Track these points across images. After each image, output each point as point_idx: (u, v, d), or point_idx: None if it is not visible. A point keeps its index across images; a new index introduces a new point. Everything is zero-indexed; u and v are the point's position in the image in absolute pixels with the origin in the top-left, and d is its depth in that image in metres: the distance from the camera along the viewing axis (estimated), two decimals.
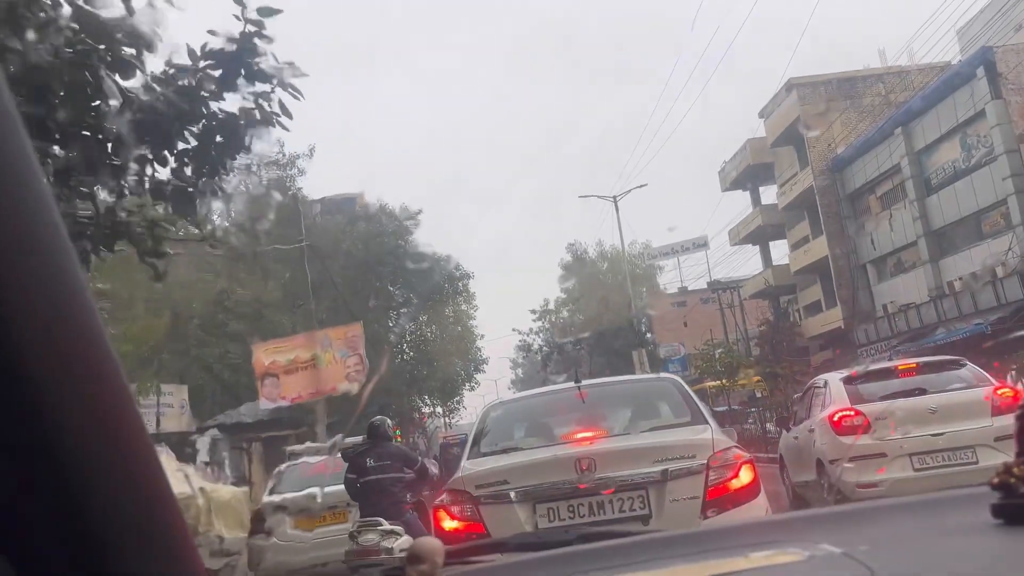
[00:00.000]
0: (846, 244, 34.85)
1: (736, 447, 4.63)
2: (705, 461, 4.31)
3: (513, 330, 55.14)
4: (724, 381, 25.49)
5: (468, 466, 4.74)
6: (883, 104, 33.92)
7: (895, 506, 1.56)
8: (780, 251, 44.60)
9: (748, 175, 42.26)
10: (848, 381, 9.58)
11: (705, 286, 63.23)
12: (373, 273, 27.39)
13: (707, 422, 4.89)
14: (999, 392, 8.97)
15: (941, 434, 8.56)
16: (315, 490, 8.32)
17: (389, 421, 7.68)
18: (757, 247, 45.18)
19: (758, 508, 4.34)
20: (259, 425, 23.04)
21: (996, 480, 1.08)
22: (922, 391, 9.01)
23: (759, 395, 27.59)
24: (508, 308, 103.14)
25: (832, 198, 35.28)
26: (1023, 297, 24.64)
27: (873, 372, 10.04)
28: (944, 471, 8.27)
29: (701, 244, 61.21)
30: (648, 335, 43.57)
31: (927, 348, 26.53)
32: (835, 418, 9.12)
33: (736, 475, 4.34)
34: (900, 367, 9.90)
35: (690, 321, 56.60)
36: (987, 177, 26.37)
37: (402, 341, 30.51)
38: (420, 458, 7.80)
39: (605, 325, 40.78)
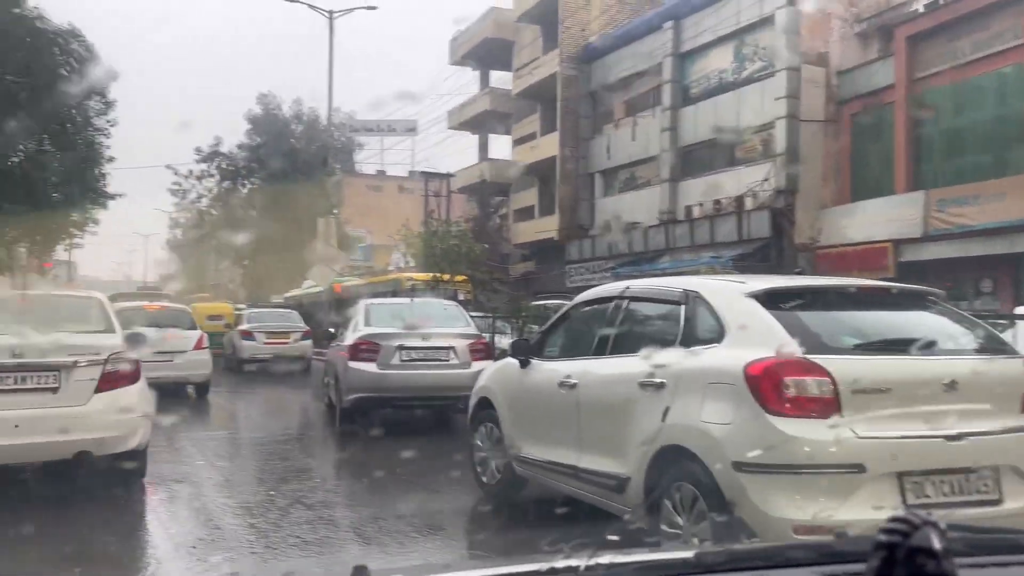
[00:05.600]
0: (579, 148, 30.88)
1: None
2: None
3: (168, 167, 45.18)
4: (441, 276, 20.06)
5: None
6: None
7: None
8: (500, 147, 40.17)
9: (483, 49, 36.74)
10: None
11: (406, 174, 57.59)
12: None
13: None
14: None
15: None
16: None
17: None
18: (476, 137, 40.22)
19: None
20: None
21: None
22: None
23: (462, 297, 22.64)
24: (160, 136, 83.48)
25: (574, 92, 30.97)
26: (770, 235, 21.97)
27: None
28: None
29: (410, 129, 55.53)
30: (335, 211, 37.03)
31: (649, 274, 23.34)
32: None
33: None
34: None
35: (383, 211, 50.93)
36: (757, 94, 23.16)
37: None
38: None
39: (288, 183, 33.64)
